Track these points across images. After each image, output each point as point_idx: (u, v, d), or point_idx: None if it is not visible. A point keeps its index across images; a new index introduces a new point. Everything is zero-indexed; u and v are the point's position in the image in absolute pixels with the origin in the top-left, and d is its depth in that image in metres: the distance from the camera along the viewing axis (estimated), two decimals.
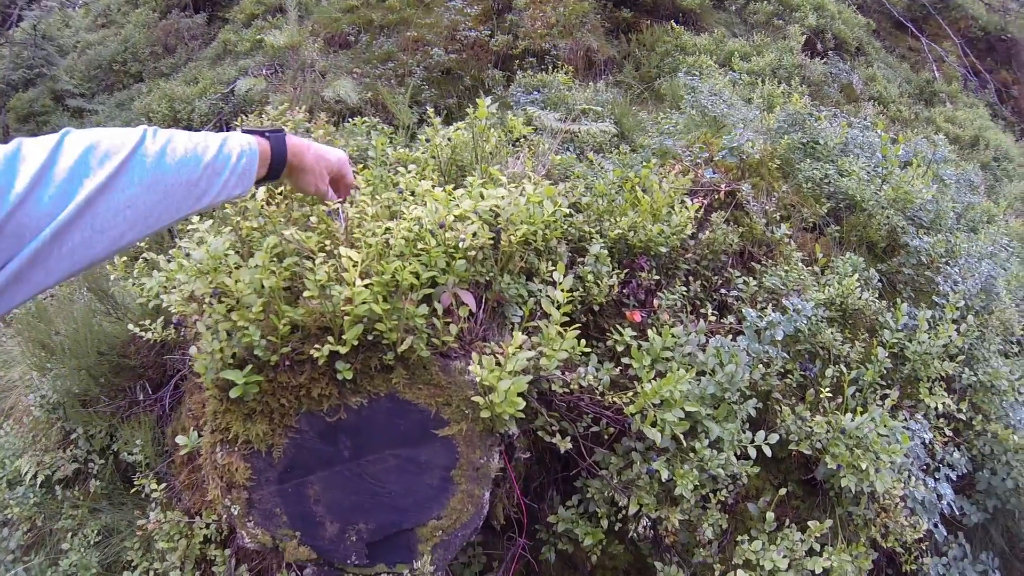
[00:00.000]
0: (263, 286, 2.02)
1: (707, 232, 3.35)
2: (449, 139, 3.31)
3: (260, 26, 8.96)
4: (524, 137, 3.47)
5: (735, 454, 2.49)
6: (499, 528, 2.64)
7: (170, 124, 8.13)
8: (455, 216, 2.40)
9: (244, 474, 2.04)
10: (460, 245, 2.34)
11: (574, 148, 4.35)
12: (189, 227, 2.37)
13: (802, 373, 3.16)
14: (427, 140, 3.31)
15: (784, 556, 2.60)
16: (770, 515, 2.72)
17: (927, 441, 3.26)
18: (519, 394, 2.05)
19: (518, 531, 2.76)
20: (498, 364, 2.09)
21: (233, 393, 1.98)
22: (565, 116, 4.60)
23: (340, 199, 2.10)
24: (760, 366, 2.94)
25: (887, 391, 3.22)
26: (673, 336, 2.63)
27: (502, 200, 2.53)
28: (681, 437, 2.38)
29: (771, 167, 4.07)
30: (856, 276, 3.38)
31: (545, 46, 6.62)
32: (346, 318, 2.04)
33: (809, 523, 2.63)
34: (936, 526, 3.34)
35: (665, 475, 2.35)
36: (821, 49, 7.97)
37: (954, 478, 3.51)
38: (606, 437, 2.66)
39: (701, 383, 2.48)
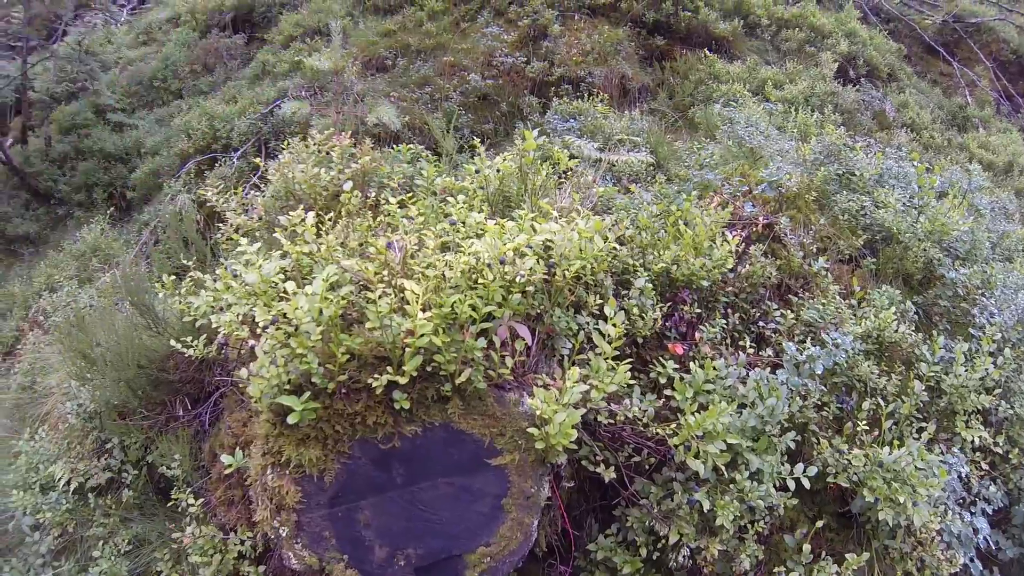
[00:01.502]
0: (321, 314, 2.08)
1: (746, 265, 3.45)
2: (498, 170, 3.39)
3: (298, 48, 9.24)
4: (570, 170, 3.58)
5: (774, 485, 2.58)
6: (540, 555, 2.72)
7: (210, 142, 8.40)
8: (512, 250, 2.48)
9: (294, 497, 2.11)
10: (518, 279, 2.44)
11: (611, 177, 4.47)
12: (237, 248, 2.44)
13: (839, 406, 3.22)
14: (476, 171, 3.39)
15: None
16: (806, 547, 2.78)
17: (963, 475, 3.30)
18: (575, 432, 2.15)
19: (559, 559, 2.84)
20: (555, 398, 2.20)
21: (291, 419, 2.04)
22: (603, 145, 4.72)
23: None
24: (797, 399, 3.02)
25: (923, 424, 3.27)
26: (715, 369, 2.72)
27: (555, 235, 2.64)
28: (723, 468, 2.47)
29: (807, 200, 4.15)
30: (893, 309, 3.44)
31: (580, 73, 6.76)
32: (407, 349, 2.11)
33: (847, 556, 2.69)
34: (972, 560, 3.37)
35: (707, 505, 2.44)
36: (853, 76, 8.02)
37: (990, 512, 3.53)
38: (647, 467, 2.75)
39: (742, 416, 2.57)
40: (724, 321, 3.22)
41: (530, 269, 2.42)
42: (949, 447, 3.37)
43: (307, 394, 2.05)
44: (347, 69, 7.63)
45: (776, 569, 2.71)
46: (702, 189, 3.86)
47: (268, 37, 10.15)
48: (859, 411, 3.20)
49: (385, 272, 2.51)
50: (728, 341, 3.16)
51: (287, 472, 2.09)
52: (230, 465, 2.56)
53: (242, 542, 2.75)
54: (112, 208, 9.23)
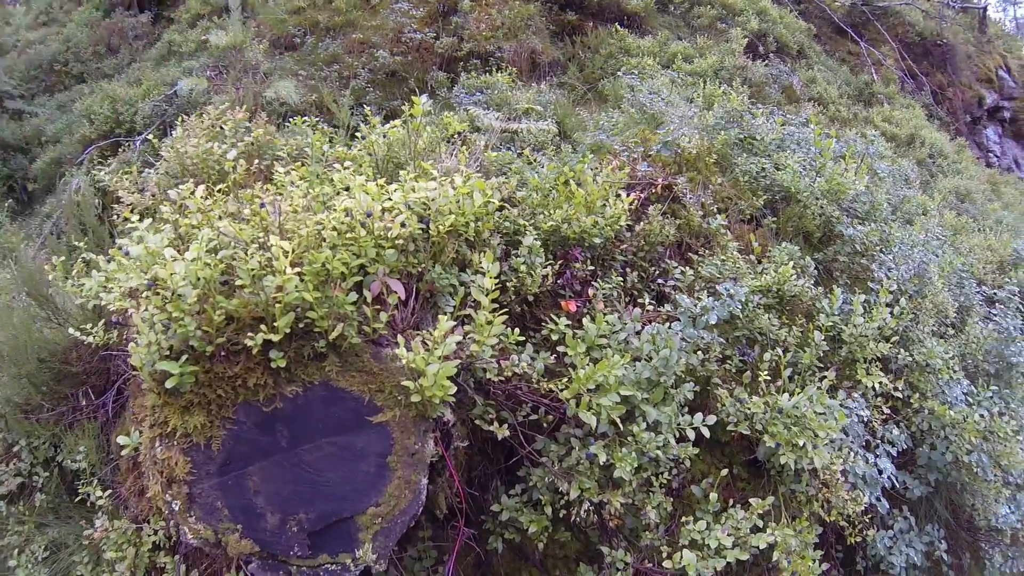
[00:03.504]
0: (198, 278, 2.03)
1: (643, 223, 3.39)
2: (385, 135, 3.31)
3: (206, 26, 8.76)
4: (459, 134, 3.49)
5: (674, 437, 2.51)
6: (442, 518, 2.61)
7: (112, 126, 7.91)
8: (384, 208, 2.41)
9: (184, 468, 2.04)
10: (389, 235, 2.35)
11: (515, 148, 4.37)
12: (128, 226, 2.33)
13: (741, 358, 3.21)
14: (362, 137, 3.32)
15: (729, 534, 2.62)
16: (713, 496, 2.74)
17: (866, 419, 3.33)
18: (450, 379, 2.05)
19: (465, 521, 2.73)
20: (427, 349, 2.07)
21: (169, 383, 1.97)
22: (508, 117, 4.62)
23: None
24: (698, 352, 2.98)
25: (825, 374, 3.29)
26: (607, 323, 2.64)
27: (432, 192, 2.53)
28: (618, 422, 2.39)
29: (708, 162, 4.15)
30: (792, 264, 3.46)
31: (490, 48, 6.68)
32: (277, 306, 2.04)
33: (751, 500, 2.66)
34: (878, 499, 3.41)
35: (603, 458, 2.35)
36: (763, 52, 8.20)
37: (895, 454, 3.59)
38: (545, 425, 2.66)
39: (636, 368, 2.50)
40: (622, 279, 3.16)
41: (400, 223, 2.31)
42: (851, 394, 3.41)
43: (184, 358, 1.99)
44: (250, 46, 7.33)
45: (685, 519, 2.65)
46: (595, 150, 3.80)
47: (175, 16, 9.62)
48: (761, 362, 3.19)
49: (263, 234, 2.41)
50: (625, 299, 3.09)
51: (175, 442, 2.04)
52: (126, 447, 2.39)
53: (156, 532, 2.62)
54: (11, 201, 8.62)
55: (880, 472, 3.40)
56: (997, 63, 12.27)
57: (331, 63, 7.21)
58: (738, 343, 3.28)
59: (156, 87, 7.86)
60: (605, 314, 2.76)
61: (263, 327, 2.03)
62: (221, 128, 3.74)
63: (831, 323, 3.41)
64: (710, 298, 2.89)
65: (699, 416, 2.54)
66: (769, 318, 3.30)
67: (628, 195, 3.38)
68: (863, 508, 3.12)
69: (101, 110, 7.90)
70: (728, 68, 6.94)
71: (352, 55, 7.22)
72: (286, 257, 2.06)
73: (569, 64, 7.05)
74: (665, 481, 2.64)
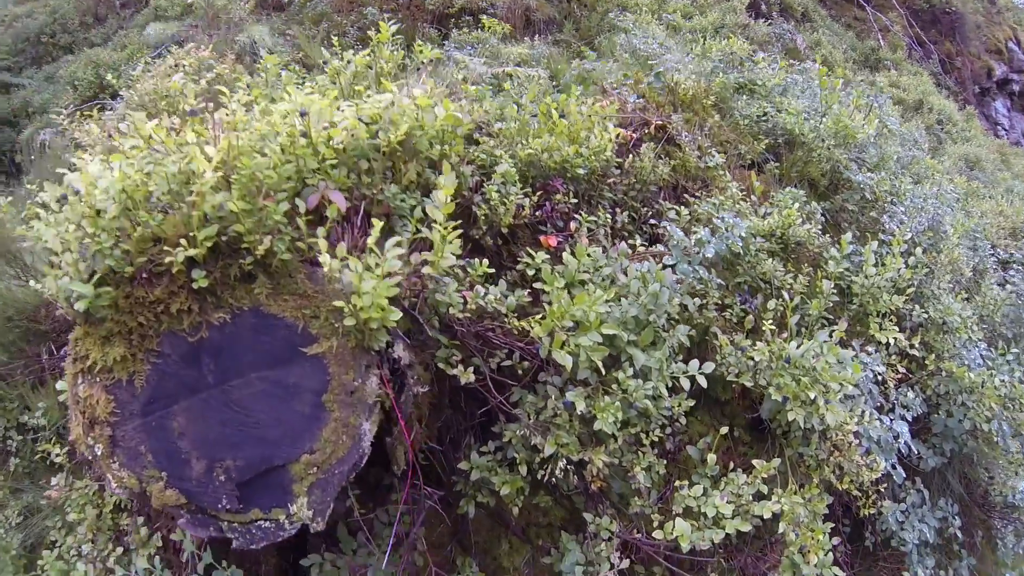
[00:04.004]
0: (122, 190, 1.78)
1: (631, 158, 3.05)
2: (349, 61, 3.01)
3: None
4: (430, 61, 3.16)
5: (666, 387, 2.17)
6: (399, 474, 2.31)
7: (96, 91, 7.68)
8: (333, 123, 2.09)
9: (106, 408, 1.84)
10: (333, 143, 2.03)
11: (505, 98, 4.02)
12: (79, 160, 2.06)
13: (743, 307, 2.87)
14: (324, 62, 3.02)
15: (728, 501, 2.29)
16: (711, 457, 2.40)
17: (880, 375, 3.00)
18: (406, 313, 1.73)
19: (434, 482, 2.43)
20: (367, 268, 1.74)
21: (80, 305, 1.72)
22: (497, 66, 4.28)
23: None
24: (696, 299, 2.64)
25: (834, 327, 2.95)
26: (590, 256, 2.31)
27: (385, 104, 2.20)
28: (601, 367, 2.05)
29: (706, 104, 3.79)
30: (797, 206, 3.12)
31: (482, 4, 6.38)
32: (195, 214, 1.75)
33: (754, 463, 2.33)
34: (894, 467, 3.08)
35: (582, 407, 2.02)
36: (765, 12, 7.82)
37: (910, 419, 3.27)
38: (520, 372, 2.32)
39: (622, 305, 2.16)
40: (610, 217, 2.81)
41: (345, 130, 1.97)
42: (864, 348, 3.08)
43: (96, 276, 1.75)
44: (236, 5, 7.02)
45: (679, 483, 2.31)
46: (581, 81, 3.46)
47: None
48: (764, 311, 2.86)
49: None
50: (615, 239, 2.75)
51: (96, 378, 1.82)
52: (63, 391, 2.21)
53: None
54: (1, 175, 8.39)
55: (896, 437, 3.07)
56: (1007, 35, 11.88)
57: (319, 22, 6.98)
58: (739, 290, 2.94)
59: (140, 50, 7.62)
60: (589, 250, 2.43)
61: (184, 241, 1.76)
62: (183, 67, 3.56)
63: (840, 271, 3.07)
64: (706, 229, 2.55)
65: (695, 363, 2.20)
66: (773, 263, 2.96)
67: (625, 132, 3.06)
68: (878, 476, 2.79)
69: (85, 75, 7.72)
70: (729, 26, 6.58)
71: (340, 14, 6.96)
72: (208, 162, 1.80)
73: (565, 22, 6.72)
74: (656, 439, 2.31)
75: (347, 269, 1.70)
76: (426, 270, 1.90)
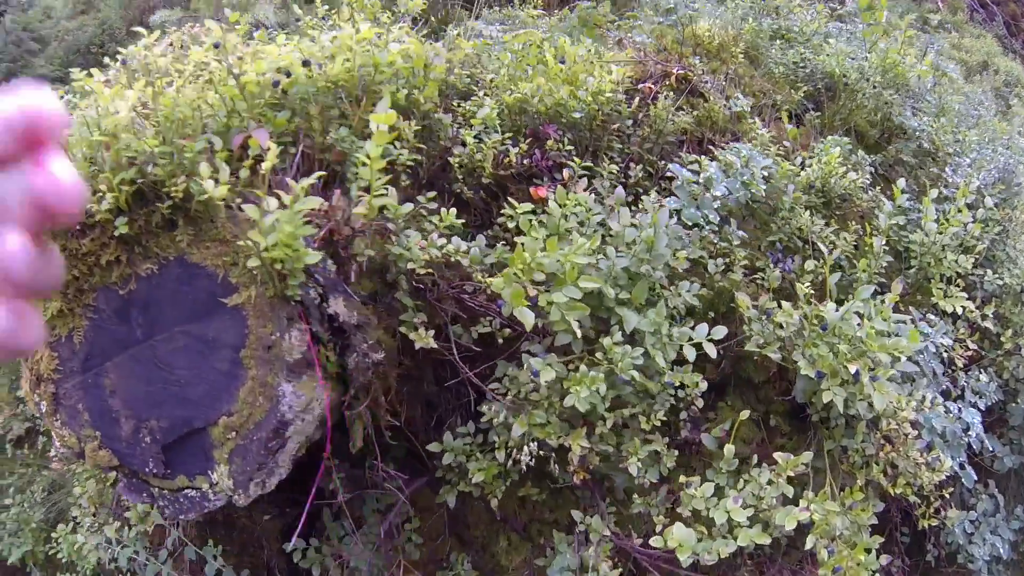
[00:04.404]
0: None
1: (636, 100, 2.63)
2: (324, 18, 2.71)
3: None
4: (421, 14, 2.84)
5: (665, 357, 1.75)
6: (357, 454, 2.02)
7: None
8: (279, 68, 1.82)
9: (50, 364, 1.80)
10: (262, 80, 1.72)
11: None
12: None
13: (777, 268, 2.41)
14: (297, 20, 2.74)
15: (746, 506, 1.84)
16: (729, 449, 1.97)
17: (945, 351, 2.48)
18: (316, 253, 1.41)
19: (410, 470, 2.11)
20: (282, 205, 1.40)
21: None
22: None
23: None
24: (718, 259, 2.21)
25: (887, 293, 2.46)
26: (579, 203, 1.91)
27: (328, 39, 1.90)
28: (576, 331, 1.64)
29: (735, 52, 3.34)
30: (838, 152, 2.64)
31: None
32: (107, 154, 1.59)
33: (776, 456, 1.87)
34: (963, 466, 2.56)
35: (548, 377, 1.63)
36: None
37: (982, 408, 2.74)
38: (501, 341, 1.94)
39: (608, 254, 1.76)
40: (616, 169, 2.41)
41: (278, 69, 1.71)
42: (925, 316, 2.57)
43: None
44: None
45: (686, 479, 1.88)
46: (583, 23, 3.06)
47: None
48: (801, 272, 2.40)
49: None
50: (627, 196, 2.33)
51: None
52: None
53: None
54: None
55: (966, 429, 2.55)
56: None
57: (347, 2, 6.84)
58: (772, 249, 2.49)
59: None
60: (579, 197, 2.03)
61: (103, 187, 1.62)
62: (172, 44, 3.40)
63: (893, 226, 2.58)
64: (713, 165, 2.11)
65: (703, 328, 1.76)
66: (812, 218, 2.50)
67: (643, 85, 2.67)
68: (944, 478, 2.25)
69: None
70: None
71: None
72: (125, 101, 1.64)
73: None
74: (660, 423, 1.89)
75: (251, 205, 1.36)
76: (358, 210, 1.55)
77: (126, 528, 2.57)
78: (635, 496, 2.00)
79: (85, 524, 2.64)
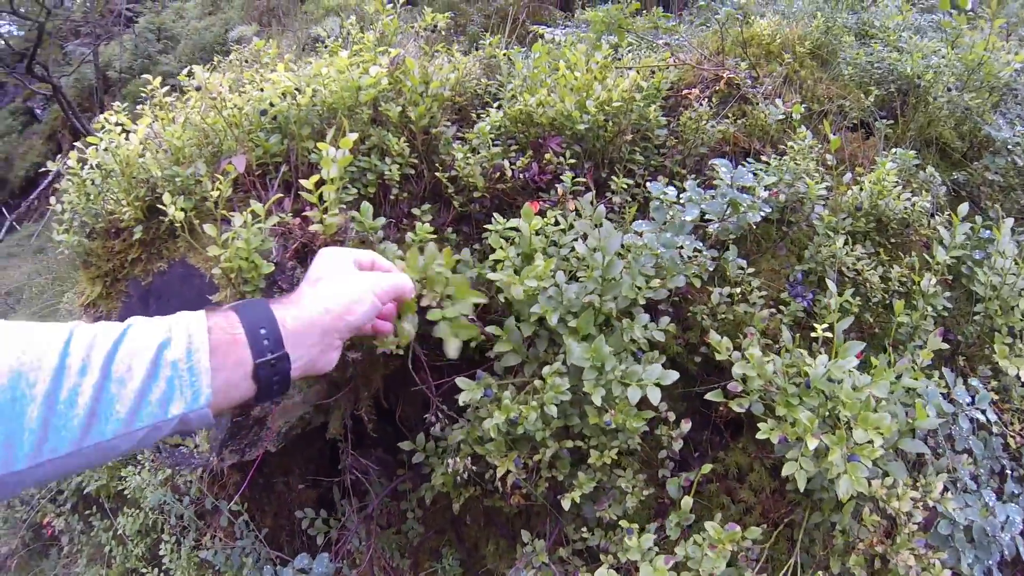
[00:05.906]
0: (99, 167, 2.09)
1: (676, 111, 2.47)
2: (348, 34, 2.82)
3: None
4: (435, 27, 2.88)
5: (604, 395, 1.62)
6: (333, 442, 2.24)
7: None
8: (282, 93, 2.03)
9: None
10: (243, 111, 1.91)
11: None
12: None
13: (796, 301, 2.18)
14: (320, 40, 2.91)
15: (681, 569, 1.63)
16: (686, 502, 1.81)
17: (986, 422, 2.06)
18: (271, 265, 1.57)
19: (401, 467, 2.27)
20: (254, 215, 1.56)
21: (78, 251, 2.11)
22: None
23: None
24: (734, 286, 2.04)
25: (922, 342, 2.12)
26: (558, 220, 1.86)
27: (314, 71, 2.04)
28: (453, 347, 1.54)
29: (799, 52, 3.03)
30: (892, 167, 2.31)
31: None
32: (122, 179, 2.01)
33: (707, 525, 1.67)
34: (990, 572, 2.03)
35: (470, 396, 1.62)
36: None
37: None
38: (477, 358, 1.96)
39: (558, 279, 1.69)
40: (631, 182, 2.28)
41: (262, 99, 1.97)
42: (968, 380, 2.18)
43: (72, 224, 2.14)
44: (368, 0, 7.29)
45: (628, 525, 1.74)
46: (606, 27, 2.89)
47: None
48: (821, 309, 2.17)
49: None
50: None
51: (89, 310, 2.18)
52: None
53: None
54: None
55: (1003, 524, 1.92)
56: None
57: (445, 11, 7.07)
58: (794, 280, 2.27)
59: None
60: (567, 212, 1.97)
61: (126, 201, 2.02)
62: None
63: (951, 260, 2.24)
64: (690, 182, 1.93)
65: (655, 368, 1.63)
66: (850, 246, 2.23)
67: (688, 92, 2.52)
68: None
69: None
70: None
71: (467, 3, 7.06)
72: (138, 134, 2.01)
73: None
74: (611, 460, 1.79)
75: (210, 224, 1.52)
76: (314, 227, 1.63)
77: (177, 476, 2.99)
78: (597, 530, 1.94)
79: (146, 466, 3.04)
